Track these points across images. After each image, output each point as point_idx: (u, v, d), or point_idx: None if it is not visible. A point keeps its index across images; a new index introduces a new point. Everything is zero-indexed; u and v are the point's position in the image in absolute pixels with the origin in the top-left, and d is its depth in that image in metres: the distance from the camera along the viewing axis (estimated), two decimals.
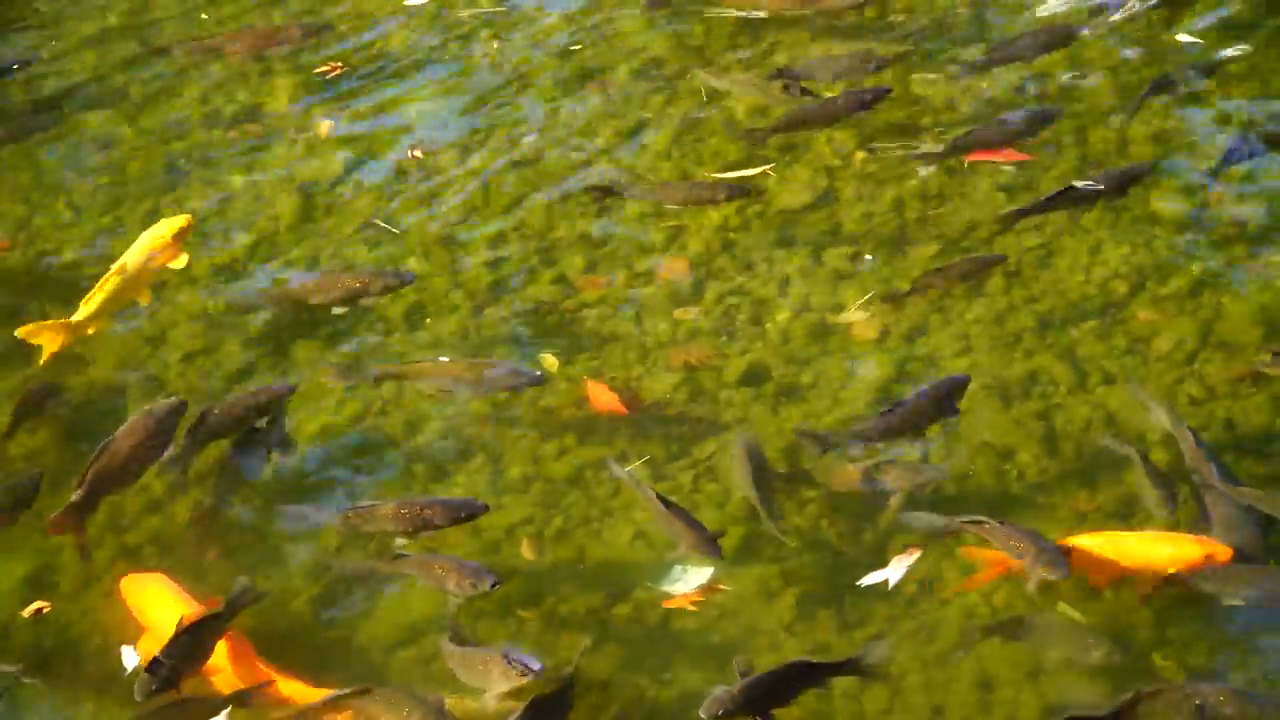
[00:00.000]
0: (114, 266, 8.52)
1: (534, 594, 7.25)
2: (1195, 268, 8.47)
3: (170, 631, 6.79)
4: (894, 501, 7.36)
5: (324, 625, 7.24)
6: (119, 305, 8.59)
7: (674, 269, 8.76)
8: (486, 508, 7.30)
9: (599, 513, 7.59)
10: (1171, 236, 8.66)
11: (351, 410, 8.17)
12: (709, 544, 7.12)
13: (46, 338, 8.36)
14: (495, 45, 10.62)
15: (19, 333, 8.32)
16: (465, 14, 10.92)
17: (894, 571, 7.05)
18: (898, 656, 6.91)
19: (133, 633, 7.14)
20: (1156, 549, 7.00)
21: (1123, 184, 8.75)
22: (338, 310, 8.57)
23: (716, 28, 10.49)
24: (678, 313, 8.53)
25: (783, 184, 9.20)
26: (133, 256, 8.60)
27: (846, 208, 9.00)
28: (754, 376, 8.13)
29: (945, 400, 7.62)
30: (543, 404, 8.10)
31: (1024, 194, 8.97)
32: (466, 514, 7.25)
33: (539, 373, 8.02)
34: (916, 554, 7.07)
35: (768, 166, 9.28)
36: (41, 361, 8.33)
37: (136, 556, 7.54)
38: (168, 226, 8.75)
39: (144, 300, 8.68)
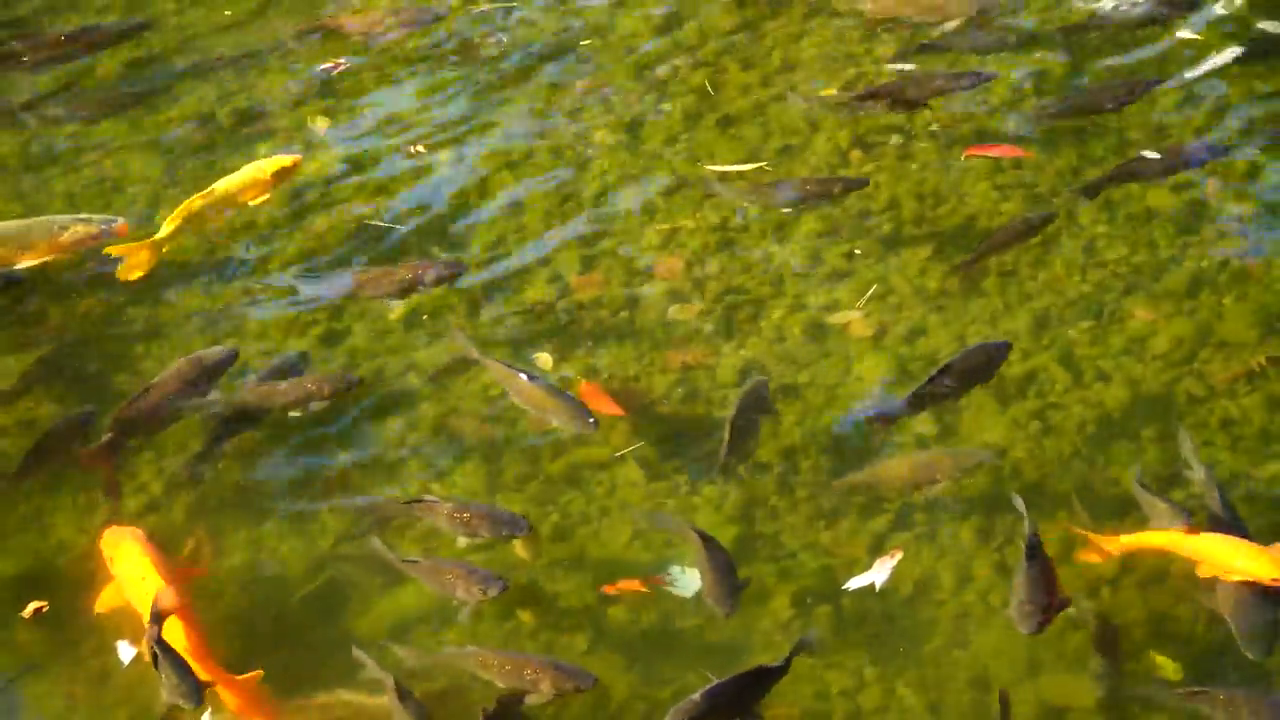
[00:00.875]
0: (205, 189, 8.88)
1: (531, 594, 7.25)
2: (1193, 266, 8.46)
3: (132, 586, 7.10)
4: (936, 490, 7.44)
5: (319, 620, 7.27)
6: (200, 227, 8.93)
7: (670, 268, 8.75)
8: (530, 529, 7.23)
9: (597, 512, 7.58)
10: (1169, 235, 8.65)
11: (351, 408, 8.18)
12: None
13: (134, 257, 8.65)
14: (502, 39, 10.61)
15: (108, 250, 8.68)
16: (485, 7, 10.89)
17: (879, 574, 7.05)
18: (892, 656, 6.93)
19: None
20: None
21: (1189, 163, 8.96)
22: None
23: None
24: (673, 312, 8.52)
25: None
26: (225, 184, 8.92)
27: (843, 206, 8.98)
28: (750, 376, 8.12)
29: (988, 366, 7.80)
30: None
31: (1019, 191, 8.96)
32: (509, 531, 7.18)
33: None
34: (899, 555, 7.07)
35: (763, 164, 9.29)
36: (128, 277, 8.66)
37: None
38: (271, 164, 9.03)
39: (218, 224, 9.03)
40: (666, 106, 9.83)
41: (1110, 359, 8.04)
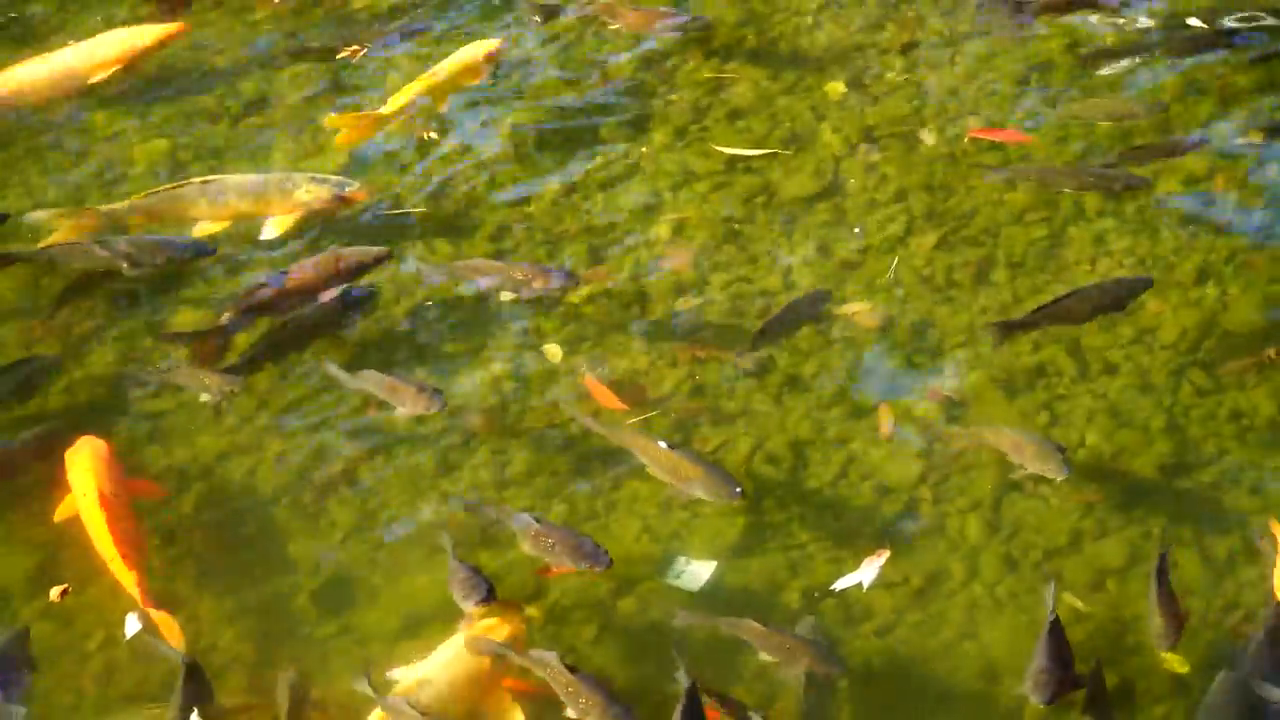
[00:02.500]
0: (427, 71, 9.64)
1: (539, 586, 7.25)
2: (1200, 257, 8.46)
3: (81, 499, 7.35)
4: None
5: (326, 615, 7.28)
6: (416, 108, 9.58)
7: (679, 259, 8.74)
8: (609, 564, 7.05)
9: (604, 506, 7.58)
10: (1177, 226, 8.64)
11: (354, 399, 8.17)
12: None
13: (353, 127, 9.36)
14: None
15: (328, 121, 9.50)
16: None
17: (866, 573, 7.03)
18: (901, 649, 6.94)
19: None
20: None
21: None
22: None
23: None
24: (682, 304, 8.52)
25: (788, 174, 9.18)
26: (445, 66, 9.69)
27: (852, 198, 8.98)
28: (758, 368, 8.12)
29: (1123, 297, 8.05)
30: (548, 396, 8.09)
31: (1026, 183, 8.94)
32: (589, 563, 7.04)
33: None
34: (886, 554, 7.06)
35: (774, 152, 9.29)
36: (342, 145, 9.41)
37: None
38: (480, 48, 9.82)
39: (440, 107, 9.68)
40: (674, 98, 9.82)
41: (1119, 350, 8.04)
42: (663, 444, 7.44)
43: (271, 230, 8.91)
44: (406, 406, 7.75)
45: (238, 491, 7.77)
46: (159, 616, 7.08)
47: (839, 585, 7.07)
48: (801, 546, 7.35)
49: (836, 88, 9.71)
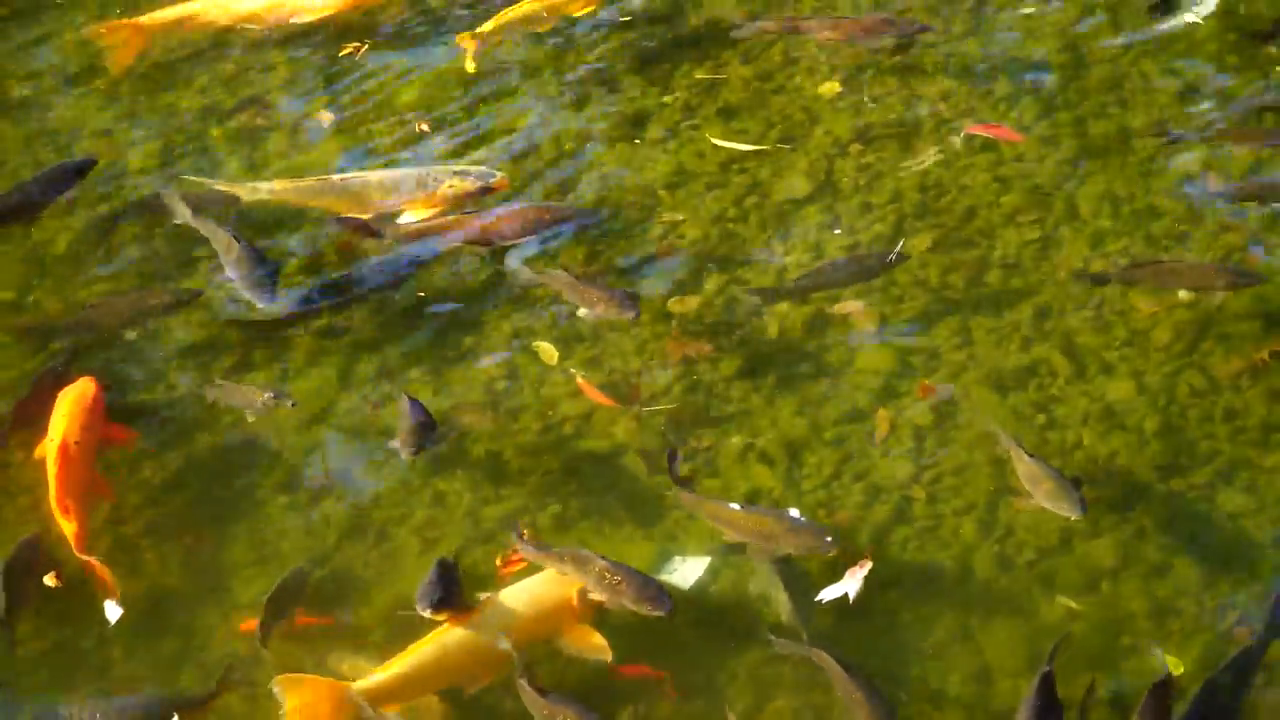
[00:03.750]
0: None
1: None
2: (1194, 259, 8.45)
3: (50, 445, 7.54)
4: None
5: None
6: (521, 29, 9.98)
7: (672, 260, 8.73)
8: (671, 610, 6.85)
9: (597, 504, 7.57)
10: (1171, 228, 8.64)
11: (347, 403, 8.16)
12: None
13: (465, 44, 9.78)
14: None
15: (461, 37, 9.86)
16: None
17: (851, 584, 7.01)
18: (895, 648, 6.95)
19: None
20: None
21: None
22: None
23: None
24: (674, 304, 8.51)
25: (780, 174, 9.17)
26: None
27: (844, 199, 8.98)
28: (751, 369, 8.12)
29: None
30: (543, 394, 8.08)
31: (1019, 183, 8.94)
32: (651, 606, 6.85)
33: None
34: (869, 565, 7.05)
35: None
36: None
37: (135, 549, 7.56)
38: None
39: (543, 28, 10.03)
40: (668, 99, 9.81)
41: (1113, 351, 8.05)
42: (735, 506, 7.24)
43: (410, 220, 8.91)
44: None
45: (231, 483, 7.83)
46: (95, 565, 7.25)
47: (824, 596, 7.03)
48: None
49: (832, 87, 9.70)
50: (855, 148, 9.31)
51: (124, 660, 7.15)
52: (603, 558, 6.82)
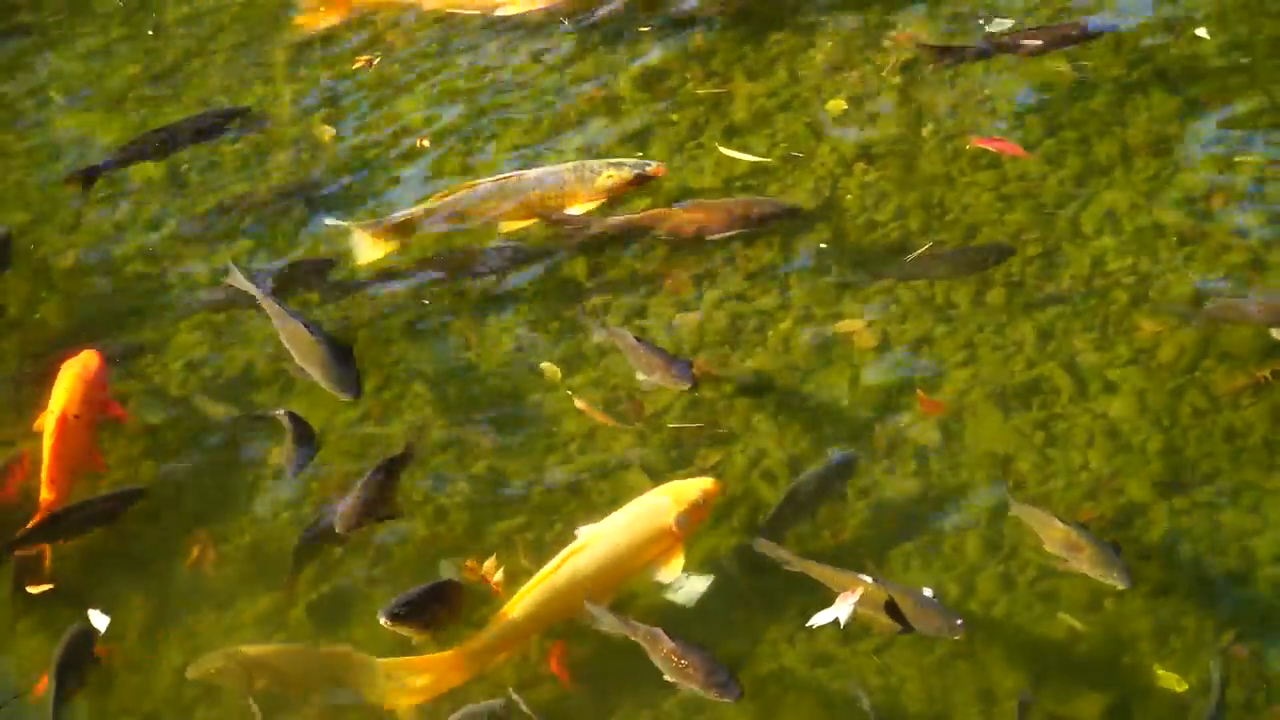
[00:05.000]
0: None
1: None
2: (1197, 277, 8.45)
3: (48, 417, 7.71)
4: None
5: None
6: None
7: (676, 278, 8.73)
8: (740, 696, 6.73)
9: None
10: (1174, 246, 8.64)
11: (347, 416, 8.16)
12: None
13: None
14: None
15: None
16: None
17: (842, 609, 6.97)
18: (896, 665, 6.94)
19: None
20: None
21: None
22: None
23: None
24: (679, 321, 8.51)
25: (785, 192, 9.18)
26: None
27: (850, 217, 8.98)
28: (755, 386, 8.12)
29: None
30: (546, 412, 8.09)
31: (1024, 202, 8.95)
32: (719, 693, 6.69)
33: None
34: (860, 590, 7.04)
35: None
36: None
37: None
38: None
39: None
40: (674, 117, 9.82)
41: (1116, 369, 8.04)
42: (866, 577, 7.06)
43: (573, 212, 8.96)
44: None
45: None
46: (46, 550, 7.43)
47: (815, 621, 7.00)
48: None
49: (838, 105, 9.72)
50: (860, 166, 9.32)
51: None
52: (673, 638, 6.74)
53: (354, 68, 10.48)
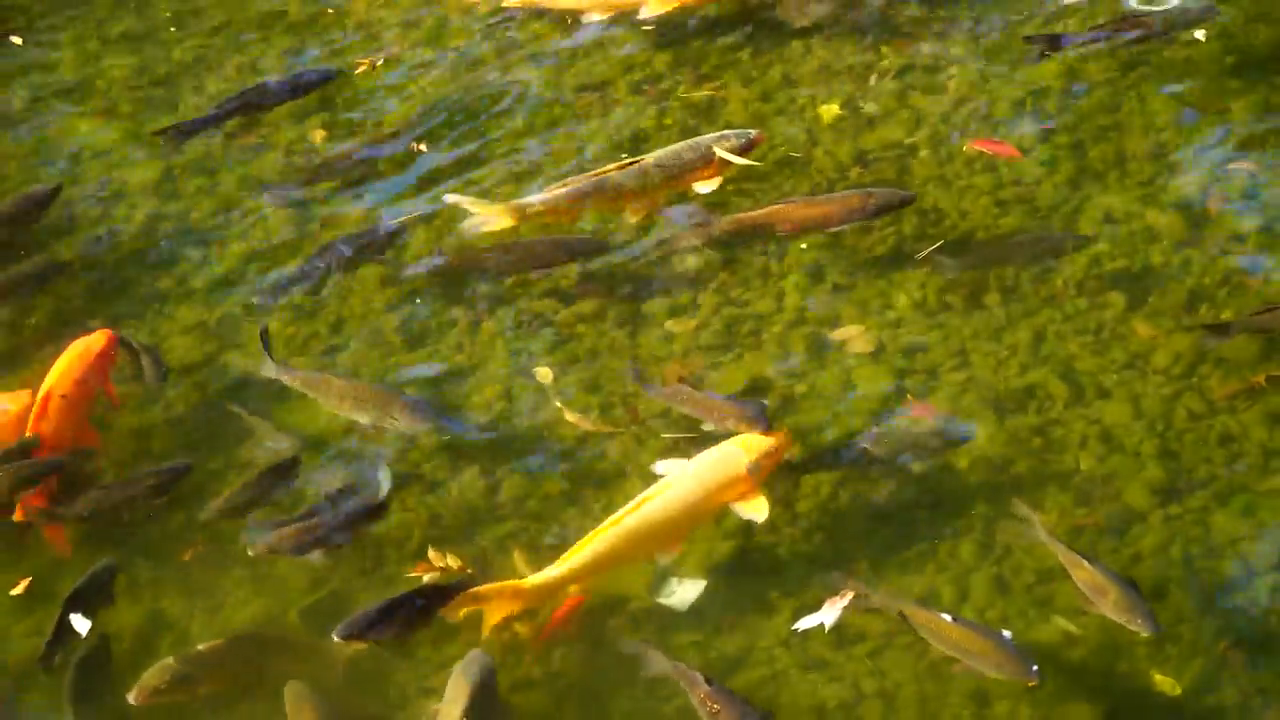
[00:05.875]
0: None
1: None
2: (1192, 281, 8.45)
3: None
4: None
5: None
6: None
7: (673, 282, 8.73)
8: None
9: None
10: (1169, 250, 8.63)
11: (342, 421, 8.16)
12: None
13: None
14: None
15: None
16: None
17: (828, 614, 6.99)
18: (890, 669, 6.93)
19: None
20: None
21: None
22: None
23: None
24: (671, 325, 8.51)
25: (781, 196, 9.17)
26: None
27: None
28: (750, 390, 8.11)
29: None
30: (541, 418, 8.08)
31: (1019, 207, 8.94)
32: None
33: None
34: (850, 595, 7.03)
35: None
36: None
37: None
38: None
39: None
40: (668, 120, 9.82)
41: (1111, 374, 8.04)
42: (947, 617, 6.97)
43: (703, 189, 9.01)
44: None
45: None
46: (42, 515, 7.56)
47: (801, 625, 7.03)
48: (791, 567, 7.34)
49: (831, 110, 9.72)
50: (855, 171, 9.32)
51: None
52: (709, 681, 6.70)
53: (357, 71, 10.48)
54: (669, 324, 8.50)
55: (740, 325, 8.47)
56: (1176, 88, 9.67)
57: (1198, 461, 7.63)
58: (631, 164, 8.97)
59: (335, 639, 6.89)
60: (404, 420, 7.90)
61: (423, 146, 9.84)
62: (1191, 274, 8.50)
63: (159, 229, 9.39)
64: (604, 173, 8.94)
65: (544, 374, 8.30)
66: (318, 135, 9.99)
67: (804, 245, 8.82)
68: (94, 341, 8.12)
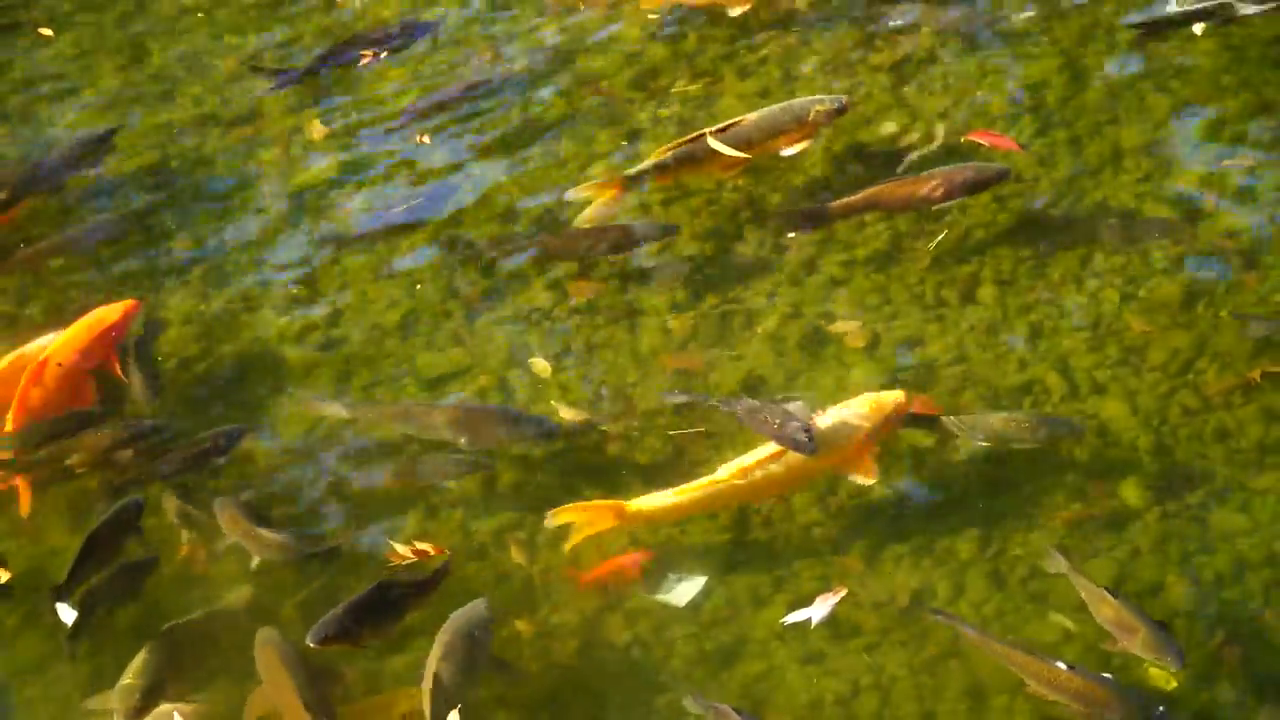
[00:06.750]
0: None
1: (527, 601, 7.25)
2: (1188, 278, 8.46)
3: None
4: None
5: None
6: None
7: (666, 275, 8.73)
8: None
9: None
10: (1165, 247, 8.64)
11: (337, 421, 8.17)
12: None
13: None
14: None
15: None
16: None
17: (817, 611, 7.00)
18: (887, 664, 6.95)
19: None
20: None
21: None
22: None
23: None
24: (670, 319, 8.51)
25: (776, 190, 9.18)
26: None
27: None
28: (746, 384, 8.12)
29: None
30: (535, 411, 8.09)
31: (1016, 200, 8.95)
32: None
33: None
34: (843, 592, 7.05)
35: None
36: None
37: None
38: None
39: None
40: (664, 113, 9.82)
41: (1106, 370, 8.05)
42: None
43: (788, 152, 9.14)
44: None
45: None
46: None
47: (789, 620, 7.06)
48: (787, 563, 7.35)
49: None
50: (851, 167, 9.33)
51: None
52: (739, 712, 6.67)
53: (360, 64, 10.49)
54: (668, 318, 8.51)
55: (734, 319, 8.47)
56: (1173, 84, 9.67)
57: (1193, 457, 7.64)
58: (728, 126, 9.10)
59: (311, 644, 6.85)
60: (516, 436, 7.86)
61: (426, 139, 9.84)
62: (1187, 269, 8.50)
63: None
64: (700, 135, 9.08)
65: (541, 366, 8.30)
66: (316, 130, 10.00)
67: (801, 241, 8.85)
68: (110, 313, 8.14)
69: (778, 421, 7.46)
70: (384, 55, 10.45)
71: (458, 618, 6.85)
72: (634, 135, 9.72)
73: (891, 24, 10.34)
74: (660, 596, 7.23)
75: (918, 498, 7.59)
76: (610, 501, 7.33)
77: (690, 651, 7.05)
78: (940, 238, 8.64)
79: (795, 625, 7.03)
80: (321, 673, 6.86)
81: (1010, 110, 9.59)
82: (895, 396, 7.62)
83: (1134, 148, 9.25)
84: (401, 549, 7.35)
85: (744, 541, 7.46)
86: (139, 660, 6.94)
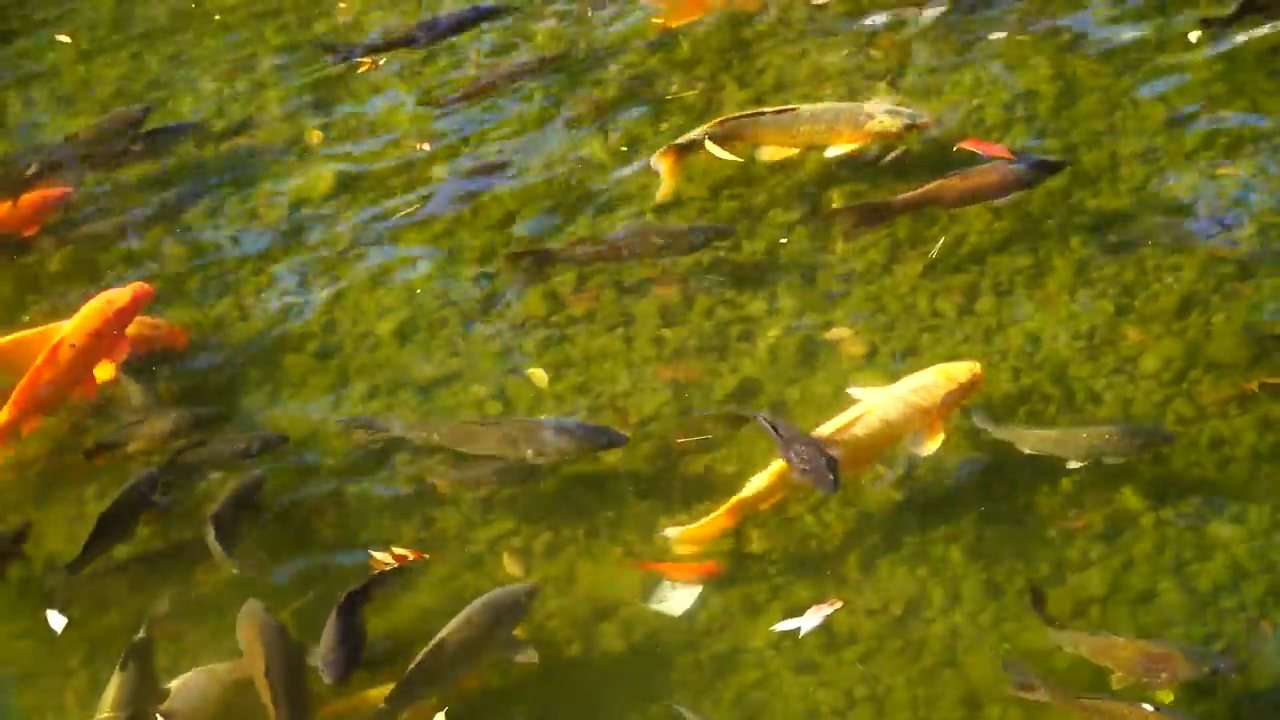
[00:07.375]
0: None
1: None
2: (1183, 287, 8.46)
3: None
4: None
5: None
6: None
7: (664, 284, 8.74)
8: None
9: (587, 532, 7.58)
10: (1160, 256, 8.65)
11: (334, 428, 8.19)
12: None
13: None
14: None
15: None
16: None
17: (808, 620, 7.03)
18: (882, 673, 6.94)
19: None
20: None
21: None
22: None
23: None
24: (666, 329, 8.52)
25: (774, 200, 9.19)
26: None
27: (838, 226, 8.98)
28: (742, 393, 8.12)
29: None
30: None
31: (1012, 211, 8.95)
32: None
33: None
34: (838, 604, 7.05)
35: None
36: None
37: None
38: None
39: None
40: (663, 125, 9.83)
41: (1102, 379, 8.05)
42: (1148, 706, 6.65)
43: (833, 151, 9.19)
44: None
45: None
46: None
47: (779, 627, 7.08)
48: (783, 573, 7.35)
49: None
50: (847, 174, 9.33)
51: None
52: None
53: (361, 70, 10.50)
54: (664, 329, 8.51)
55: (731, 328, 8.48)
56: (1168, 91, 9.68)
57: (1189, 466, 7.63)
58: (784, 111, 9.24)
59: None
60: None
61: (425, 145, 9.86)
62: (1182, 279, 8.50)
63: None
64: (756, 114, 9.25)
65: (538, 375, 8.31)
66: (314, 136, 10.01)
67: (796, 245, 8.86)
68: (119, 296, 8.16)
69: (807, 459, 7.29)
70: (382, 63, 10.49)
71: (500, 591, 6.97)
72: (634, 142, 9.73)
73: (886, 31, 10.36)
74: (655, 606, 7.23)
75: (913, 506, 7.58)
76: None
77: (685, 661, 7.05)
78: (939, 245, 8.63)
79: (790, 634, 7.04)
80: (304, 648, 6.87)
81: (1005, 118, 9.59)
82: (970, 367, 7.73)
83: (1130, 155, 9.25)
84: (380, 555, 7.36)
85: (739, 551, 7.45)
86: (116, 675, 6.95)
